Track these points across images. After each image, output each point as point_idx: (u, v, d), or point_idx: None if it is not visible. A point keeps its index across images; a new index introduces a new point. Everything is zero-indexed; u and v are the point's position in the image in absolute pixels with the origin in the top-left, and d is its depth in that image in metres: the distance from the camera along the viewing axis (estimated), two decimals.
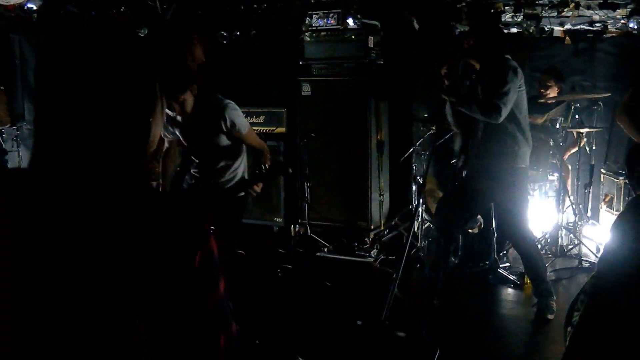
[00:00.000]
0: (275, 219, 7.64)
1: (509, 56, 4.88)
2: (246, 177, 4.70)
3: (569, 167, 7.23)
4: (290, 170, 4.36)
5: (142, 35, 7.65)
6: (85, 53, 1.31)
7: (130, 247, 1.23)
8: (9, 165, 8.32)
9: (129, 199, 1.28)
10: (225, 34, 8.06)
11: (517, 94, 4.80)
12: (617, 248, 1.58)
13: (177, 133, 4.60)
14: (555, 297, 5.16)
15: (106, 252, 1.22)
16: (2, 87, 8.73)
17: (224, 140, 4.51)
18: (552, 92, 7.03)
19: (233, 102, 4.50)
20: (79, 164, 1.28)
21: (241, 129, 4.47)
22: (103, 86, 1.30)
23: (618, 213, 6.67)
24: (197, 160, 4.63)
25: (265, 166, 4.31)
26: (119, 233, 1.23)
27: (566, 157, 7.07)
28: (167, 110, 4.26)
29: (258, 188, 4.38)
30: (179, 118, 4.42)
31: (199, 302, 1.30)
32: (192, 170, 4.68)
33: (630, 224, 1.57)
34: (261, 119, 7.78)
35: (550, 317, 5.08)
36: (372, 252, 6.87)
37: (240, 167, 4.63)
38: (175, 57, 4.42)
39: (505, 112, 4.70)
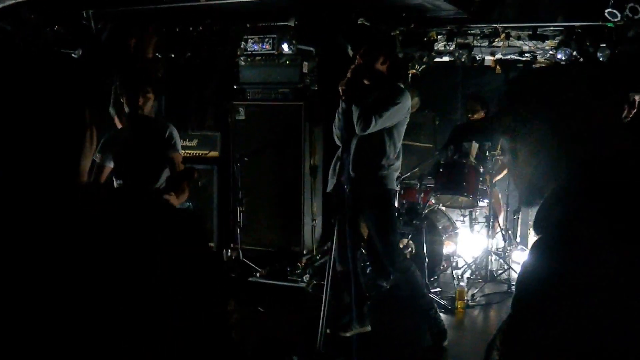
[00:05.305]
0: None
1: (402, 85, 4.97)
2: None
3: (499, 193, 7.37)
4: (196, 175, 4.26)
5: (76, 56, 7.52)
6: (20, 74, 1.28)
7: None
8: None
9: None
10: (159, 56, 7.97)
11: (396, 119, 4.84)
12: (530, 283, 1.59)
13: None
14: (438, 311, 5.22)
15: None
16: None
17: (157, 166, 4.53)
18: (478, 117, 7.26)
19: None
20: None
21: (178, 148, 4.73)
22: (32, 109, 1.27)
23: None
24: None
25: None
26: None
27: (495, 181, 7.20)
28: (126, 108, 4.50)
29: (170, 198, 4.41)
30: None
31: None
32: None
33: (537, 262, 1.58)
34: (194, 142, 7.71)
35: (445, 344, 5.09)
36: (304, 277, 6.80)
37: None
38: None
39: (374, 128, 4.74)
